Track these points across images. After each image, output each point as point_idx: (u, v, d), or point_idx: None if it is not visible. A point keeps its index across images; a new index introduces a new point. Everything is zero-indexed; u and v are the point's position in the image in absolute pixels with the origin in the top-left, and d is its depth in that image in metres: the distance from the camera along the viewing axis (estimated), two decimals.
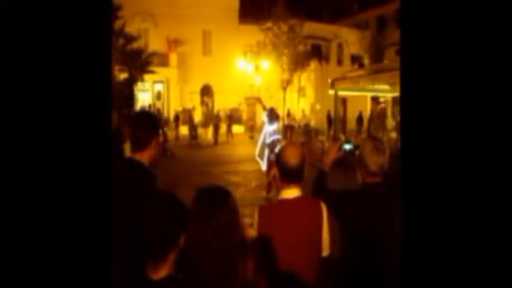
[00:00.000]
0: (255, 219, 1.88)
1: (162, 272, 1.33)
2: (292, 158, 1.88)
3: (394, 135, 13.28)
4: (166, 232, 1.33)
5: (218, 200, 1.37)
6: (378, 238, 2.11)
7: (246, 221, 1.89)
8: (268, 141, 7.23)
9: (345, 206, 2.10)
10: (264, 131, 7.58)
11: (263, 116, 8.15)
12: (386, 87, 11.80)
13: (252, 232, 1.82)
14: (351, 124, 16.12)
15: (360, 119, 21.02)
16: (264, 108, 7.93)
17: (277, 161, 1.92)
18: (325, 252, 1.95)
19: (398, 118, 14.22)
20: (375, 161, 2.10)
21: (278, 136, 7.36)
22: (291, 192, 1.90)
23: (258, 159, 7.61)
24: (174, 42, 25.84)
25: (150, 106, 23.38)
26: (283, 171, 1.89)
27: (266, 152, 7.24)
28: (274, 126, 7.33)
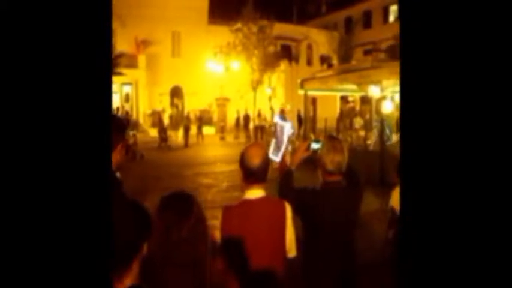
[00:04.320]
0: (219, 220, 1.86)
1: (127, 282, 1.29)
2: (255, 158, 1.87)
3: (362, 133, 13.56)
4: (128, 240, 1.29)
5: (182, 208, 1.34)
6: (336, 238, 2.14)
7: (216, 222, 1.87)
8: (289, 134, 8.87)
9: (304, 204, 2.12)
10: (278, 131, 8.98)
11: (276, 118, 9.71)
12: (353, 86, 12.05)
13: (218, 234, 1.81)
14: (321, 123, 16.40)
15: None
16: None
17: (241, 162, 1.92)
18: (291, 253, 1.96)
19: (367, 116, 14.54)
20: (332, 160, 2.13)
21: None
22: (255, 193, 1.89)
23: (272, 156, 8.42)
24: (143, 43, 25.39)
25: (118, 109, 22.87)
26: (246, 171, 1.89)
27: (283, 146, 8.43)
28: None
